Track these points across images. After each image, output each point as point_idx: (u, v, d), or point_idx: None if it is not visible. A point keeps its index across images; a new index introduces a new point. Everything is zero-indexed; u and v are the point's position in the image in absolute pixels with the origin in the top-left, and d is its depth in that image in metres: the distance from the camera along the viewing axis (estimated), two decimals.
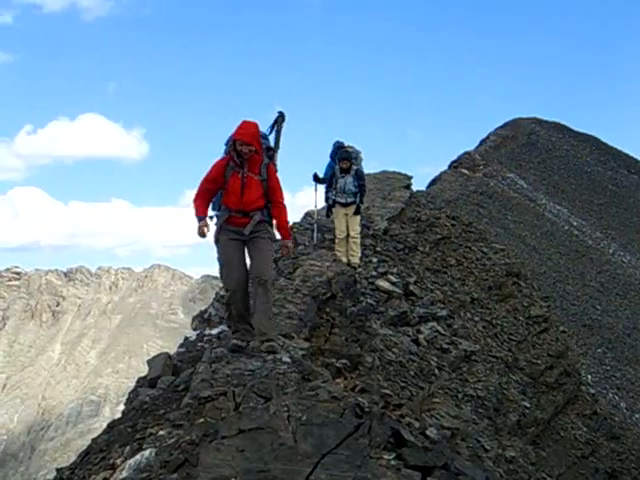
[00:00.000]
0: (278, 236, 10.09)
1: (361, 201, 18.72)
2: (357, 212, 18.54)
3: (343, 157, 18.61)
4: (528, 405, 18.56)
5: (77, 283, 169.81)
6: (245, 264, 9.74)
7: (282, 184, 9.98)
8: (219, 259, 9.70)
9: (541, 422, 19.12)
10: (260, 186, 9.65)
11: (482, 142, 71.45)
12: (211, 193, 9.72)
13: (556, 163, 70.12)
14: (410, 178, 31.12)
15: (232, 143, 9.56)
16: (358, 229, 18.38)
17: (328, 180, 18.91)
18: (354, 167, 18.62)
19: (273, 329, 9.68)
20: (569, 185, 66.75)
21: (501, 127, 76.12)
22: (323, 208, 19.97)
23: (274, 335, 9.57)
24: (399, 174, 31.42)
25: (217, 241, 9.70)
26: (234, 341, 9.44)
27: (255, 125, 9.63)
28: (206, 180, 9.66)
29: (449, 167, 58.68)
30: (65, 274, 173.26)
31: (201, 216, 9.59)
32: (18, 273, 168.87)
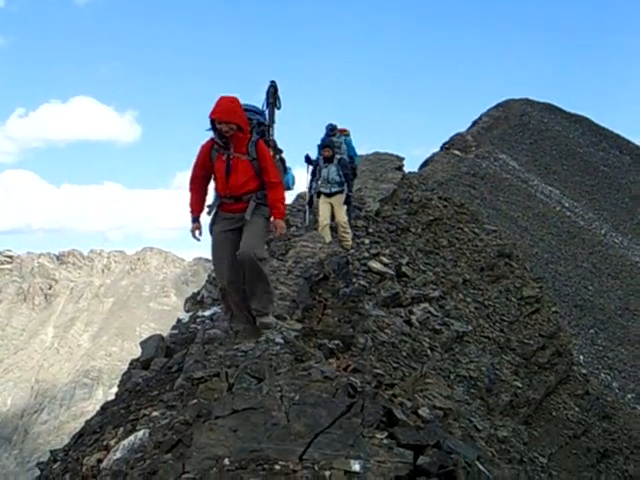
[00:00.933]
0: None
1: (350, 190, 18.33)
2: (347, 202, 18.22)
3: (325, 145, 18.26)
4: (520, 385, 18.61)
5: (69, 266, 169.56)
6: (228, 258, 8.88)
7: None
8: (212, 251, 8.99)
9: (533, 402, 19.18)
10: (250, 167, 8.70)
11: (474, 123, 71.48)
12: (203, 180, 8.96)
13: (548, 144, 70.13)
14: (402, 159, 31.08)
15: (210, 122, 8.61)
16: (345, 218, 18.05)
17: (312, 169, 18.55)
18: (337, 156, 18.19)
19: (268, 304, 9.00)
20: (561, 166, 66.80)
21: (493, 108, 76.10)
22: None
23: (270, 310, 9.01)
24: (391, 155, 31.37)
25: (210, 232, 8.99)
26: (239, 340, 8.83)
27: (232, 99, 8.65)
28: (194, 167, 8.94)
29: (441, 148, 58.71)
30: (57, 257, 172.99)
31: (194, 216, 8.96)
32: (10, 256, 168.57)
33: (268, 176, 8.82)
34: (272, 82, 9.50)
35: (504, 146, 64.30)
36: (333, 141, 18.62)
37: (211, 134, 8.85)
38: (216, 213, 8.91)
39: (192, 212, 8.96)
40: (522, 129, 70.91)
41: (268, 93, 9.45)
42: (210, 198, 9.10)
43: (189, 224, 9.05)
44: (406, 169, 31.92)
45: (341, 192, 18.00)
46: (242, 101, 8.91)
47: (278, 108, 9.46)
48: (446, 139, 61.18)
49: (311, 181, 18.59)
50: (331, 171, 17.96)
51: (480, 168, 53.73)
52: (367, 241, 18.76)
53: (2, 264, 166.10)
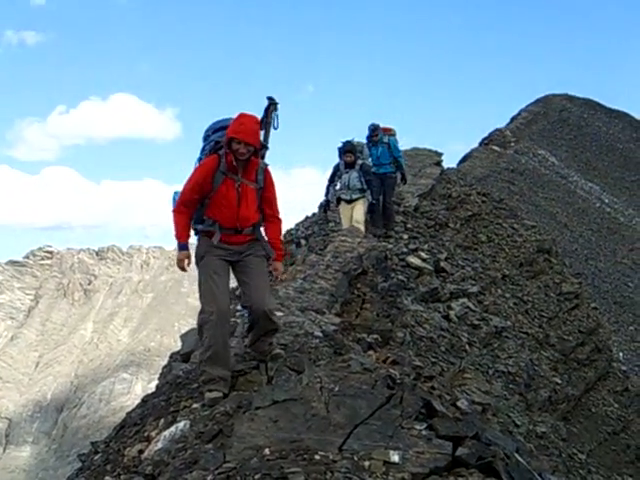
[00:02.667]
0: None
1: (373, 198, 17.83)
2: (370, 210, 18.03)
3: (347, 150, 17.57)
4: (559, 381, 18.55)
5: (109, 262, 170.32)
6: (229, 290, 8.02)
7: (276, 161, 8.38)
8: (202, 279, 7.83)
9: (572, 398, 19.11)
10: (256, 196, 7.90)
11: (513, 119, 71.05)
12: (195, 204, 7.87)
13: (588, 140, 69.68)
14: (441, 155, 31.07)
15: (227, 141, 7.62)
16: (362, 217, 17.56)
17: (331, 174, 17.98)
18: (359, 161, 17.67)
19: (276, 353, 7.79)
20: (601, 162, 66.35)
21: (532, 104, 75.62)
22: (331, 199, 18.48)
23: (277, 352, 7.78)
24: (430, 151, 31.37)
25: (200, 259, 7.93)
26: (208, 394, 7.21)
27: (257, 120, 7.84)
28: (190, 189, 7.80)
29: (480, 144, 58.44)
30: (97, 253, 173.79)
31: (183, 243, 7.87)
32: (50, 252, 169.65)
33: (273, 209, 8.12)
34: (271, 99, 8.55)
35: (543, 142, 63.91)
36: (355, 146, 17.91)
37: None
38: (217, 243, 7.85)
39: (180, 238, 7.85)
40: (562, 124, 70.47)
41: (267, 111, 8.49)
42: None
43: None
44: (445, 165, 31.93)
45: (362, 198, 17.53)
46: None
47: (275, 128, 8.51)
48: (485, 135, 61.01)
49: (328, 186, 18.02)
50: (352, 177, 17.49)
51: (519, 164, 53.47)
52: (406, 236, 18.77)
53: (42, 260, 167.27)
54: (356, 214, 17.37)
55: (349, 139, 18.08)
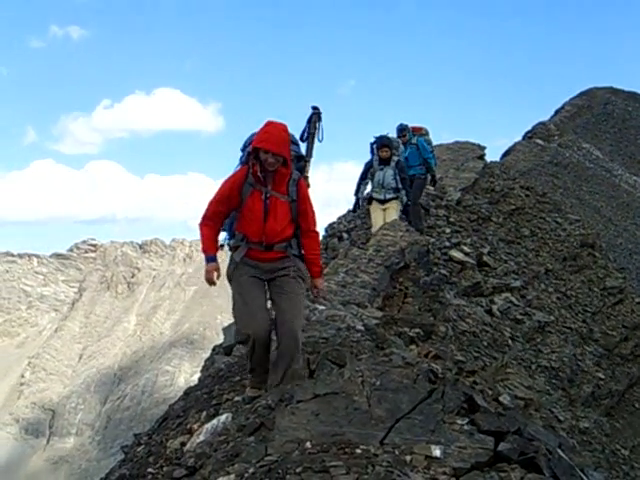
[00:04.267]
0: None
1: (408, 198, 16.80)
2: (404, 212, 16.96)
3: (383, 144, 16.53)
4: (602, 376, 18.43)
5: (152, 255, 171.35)
6: (266, 308, 7.50)
7: (320, 156, 7.90)
8: (235, 298, 7.52)
9: (615, 394, 18.97)
10: (288, 210, 7.41)
11: (557, 112, 70.47)
12: (222, 217, 7.53)
13: (632, 133, 68.93)
14: (484, 148, 30.92)
15: (253, 151, 7.23)
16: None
17: (363, 171, 16.89)
18: (395, 157, 16.58)
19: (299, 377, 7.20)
20: None
21: (576, 97, 74.91)
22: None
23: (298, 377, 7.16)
24: (472, 144, 31.23)
25: (231, 276, 7.61)
26: (249, 393, 7.25)
27: (284, 128, 7.33)
28: (217, 200, 7.43)
29: (523, 138, 58.04)
30: (140, 246, 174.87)
31: (210, 255, 7.50)
32: (94, 245, 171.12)
33: (308, 223, 7.60)
34: (315, 108, 8.21)
35: (587, 135, 63.36)
36: (391, 140, 16.90)
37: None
38: (240, 258, 7.50)
39: (207, 250, 7.49)
40: (606, 118, 69.78)
41: (310, 121, 8.14)
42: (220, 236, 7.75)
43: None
44: (488, 159, 31.73)
45: (396, 198, 16.58)
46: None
47: (320, 140, 8.15)
48: (529, 128, 60.58)
49: (359, 184, 17.00)
50: (387, 175, 16.45)
51: (563, 157, 53.04)
52: (448, 230, 18.70)
53: (86, 253, 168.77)
54: (389, 217, 16.47)
55: (384, 134, 17.14)
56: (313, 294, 7.97)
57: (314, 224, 7.65)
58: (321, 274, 7.91)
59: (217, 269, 7.45)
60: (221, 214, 7.44)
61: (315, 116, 8.16)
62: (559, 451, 5.23)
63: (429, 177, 18.71)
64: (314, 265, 7.70)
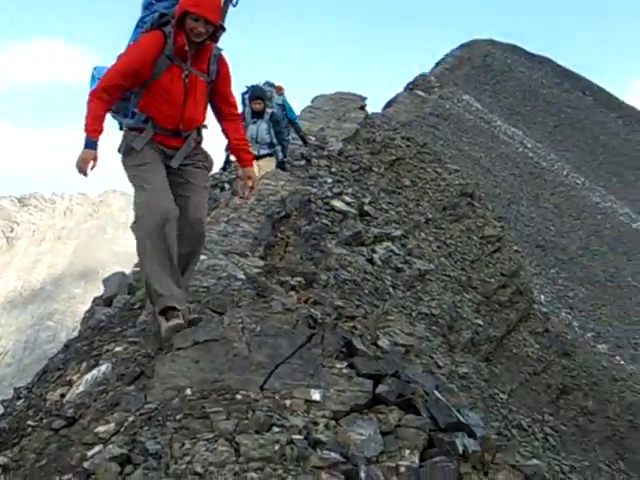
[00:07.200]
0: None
1: (284, 155, 16.21)
2: (281, 168, 16.06)
3: (256, 96, 15.49)
4: (481, 323, 18.82)
5: (31, 209, 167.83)
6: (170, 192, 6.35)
7: None
8: (136, 183, 6.42)
9: (494, 339, 19.42)
10: (205, 91, 6.37)
11: (438, 64, 71.24)
12: (119, 93, 6.18)
13: (511, 85, 70.25)
14: (365, 99, 31.00)
15: (180, 17, 5.96)
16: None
17: None
18: (268, 110, 15.65)
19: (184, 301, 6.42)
20: (524, 107, 67.01)
21: (457, 49, 75.82)
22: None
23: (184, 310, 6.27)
24: (354, 95, 31.30)
25: (129, 151, 6.37)
26: (166, 323, 6.11)
27: None
28: (121, 71, 6.10)
29: (405, 89, 58.47)
30: (19, 200, 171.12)
31: (92, 140, 6.09)
32: None
33: (231, 105, 6.74)
34: None
35: (467, 87, 64.21)
36: (265, 91, 15.95)
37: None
38: (145, 144, 6.33)
39: (90, 132, 6.07)
40: (486, 70, 70.87)
41: None
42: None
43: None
44: (371, 111, 31.92)
45: (271, 155, 15.89)
46: None
47: (234, 5, 6.73)
48: (410, 80, 61.04)
49: None
50: (261, 129, 15.53)
51: (444, 109, 53.65)
52: (330, 180, 18.73)
53: None
54: (263, 174, 15.48)
55: (256, 84, 16.25)
56: (243, 191, 7.23)
57: (236, 107, 6.89)
58: (252, 162, 7.16)
59: (95, 158, 6.11)
60: (121, 89, 6.15)
61: None
62: (436, 392, 5.36)
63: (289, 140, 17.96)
64: (244, 152, 6.92)
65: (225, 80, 6.53)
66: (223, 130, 6.76)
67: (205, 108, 6.53)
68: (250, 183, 6.93)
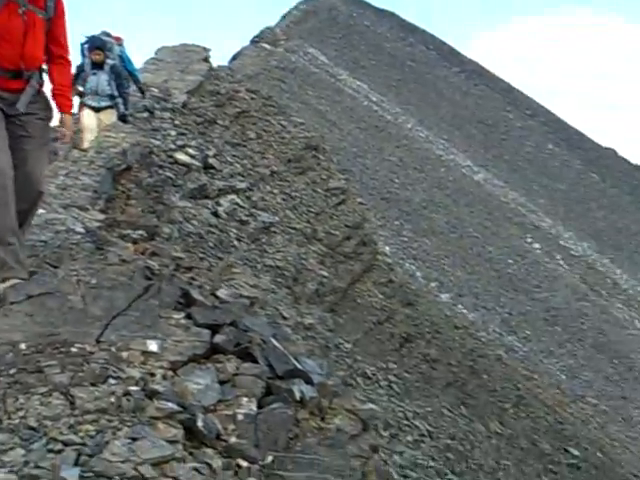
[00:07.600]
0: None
1: (126, 108, 15.60)
2: (123, 120, 15.52)
3: (96, 46, 14.93)
4: (326, 274, 19.03)
5: None
6: (7, 145, 5.86)
7: None
8: None
9: (339, 290, 19.68)
10: (43, 30, 5.87)
11: (284, 17, 71.17)
12: None
13: (356, 39, 70.71)
14: (208, 51, 30.66)
15: None
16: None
17: (74, 76, 13.96)
18: (109, 61, 15.11)
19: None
20: (369, 61, 67.63)
21: (303, 2, 75.78)
22: None
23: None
24: (197, 47, 30.94)
25: None
26: (2, 285, 5.83)
27: None
28: None
29: (251, 42, 58.23)
30: None
31: None
32: None
33: (62, 47, 6.22)
34: None
35: (313, 40, 64.34)
36: (105, 42, 15.28)
37: None
38: None
39: None
40: (331, 23, 71.13)
41: None
42: None
43: None
44: (217, 64, 31.63)
45: (112, 107, 15.40)
46: None
47: None
48: (256, 33, 60.78)
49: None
50: (101, 80, 15.00)
51: (289, 62, 53.66)
52: (173, 133, 18.50)
53: None
54: (104, 126, 15.09)
55: (95, 34, 15.57)
56: (60, 133, 6.77)
57: (68, 50, 6.31)
58: (70, 109, 6.68)
59: None
60: None
61: None
62: (273, 340, 5.41)
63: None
64: (65, 98, 6.45)
65: (60, 19, 6.04)
66: (49, 74, 6.24)
67: (44, 47, 5.99)
68: (63, 131, 6.62)
